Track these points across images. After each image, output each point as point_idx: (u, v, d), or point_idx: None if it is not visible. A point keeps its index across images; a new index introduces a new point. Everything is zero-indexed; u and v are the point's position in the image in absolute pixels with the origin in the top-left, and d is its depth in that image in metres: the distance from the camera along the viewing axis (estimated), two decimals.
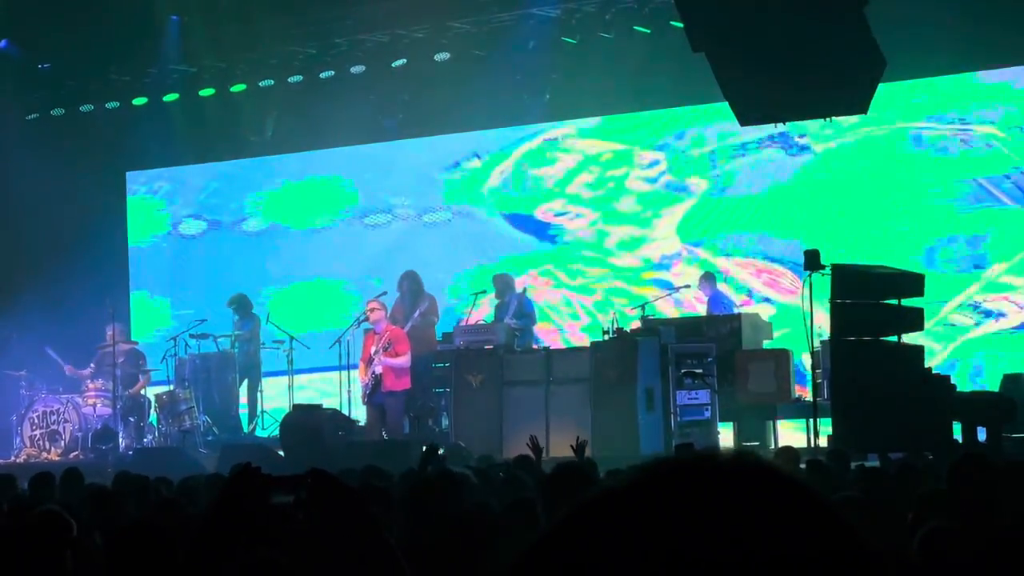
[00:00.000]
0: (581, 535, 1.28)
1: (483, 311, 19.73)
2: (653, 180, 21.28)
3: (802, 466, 10.38)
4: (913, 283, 14.44)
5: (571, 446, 11.21)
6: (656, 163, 21.28)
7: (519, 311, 18.85)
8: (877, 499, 6.74)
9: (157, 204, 25.02)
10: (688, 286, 19.68)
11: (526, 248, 21.88)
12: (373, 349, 18.33)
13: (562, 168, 21.90)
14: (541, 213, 21.96)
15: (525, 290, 19.53)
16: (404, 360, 18.30)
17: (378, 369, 18.27)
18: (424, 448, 11.12)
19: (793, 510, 1.27)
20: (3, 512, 7.95)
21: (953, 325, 19.11)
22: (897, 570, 5.23)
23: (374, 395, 18.35)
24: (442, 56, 21.43)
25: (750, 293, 20.26)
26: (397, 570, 3.24)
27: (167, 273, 24.64)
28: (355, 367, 19.12)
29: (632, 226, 21.34)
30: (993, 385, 16.62)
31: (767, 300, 20.09)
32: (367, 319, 18.64)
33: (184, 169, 24.70)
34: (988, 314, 19.08)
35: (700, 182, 20.93)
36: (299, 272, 23.39)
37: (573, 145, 21.89)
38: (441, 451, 11.64)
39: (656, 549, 1.23)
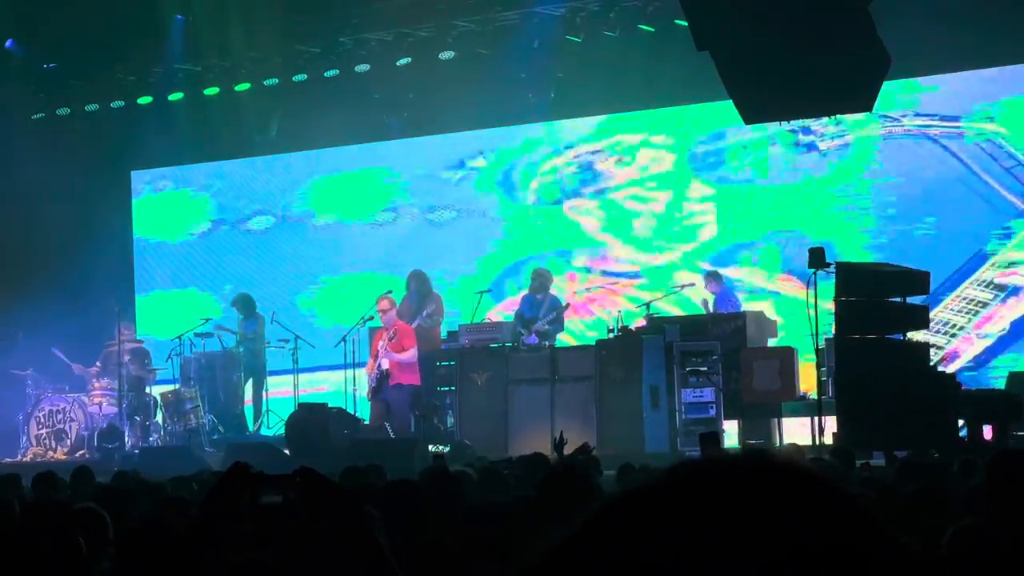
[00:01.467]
0: (613, 533, 1.28)
1: (508, 303, 19.58)
2: (654, 178, 21.27)
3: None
4: (918, 281, 14.44)
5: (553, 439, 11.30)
6: (658, 161, 21.27)
7: (556, 319, 18.77)
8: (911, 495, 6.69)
9: (162, 202, 25.02)
10: (692, 284, 19.66)
11: (533, 248, 21.87)
12: (380, 343, 18.37)
13: (562, 167, 21.89)
14: (546, 213, 21.96)
15: (568, 305, 19.39)
16: (410, 355, 18.31)
17: (384, 363, 18.29)
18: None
19: (825, 508, 1.28)
20: (14, 510, 7.95)
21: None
22: (927, 567, 5.23)
23: (380, 390, 18.36)
24: (447, 55, 21.43)
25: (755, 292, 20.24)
26: (387, 571, 3.23)
27: (173, 271, 24.66)
28: (361, 365, 19.15)
29: (635, 227, 21.33)
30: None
31: (775, 294, 20.07)
32: (377, 315, 18.71)
33: (189, 168, 24.72)
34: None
35: (705, 180, 20.92)
36: (304, 271, 23.41)
37: (580, 145, 21.87)
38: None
39: (688, 548, 1.24)
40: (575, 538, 1.29)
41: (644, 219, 21.29)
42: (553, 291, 19.28)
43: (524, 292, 19.59)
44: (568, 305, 19.44)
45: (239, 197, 24.36)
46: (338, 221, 23.52)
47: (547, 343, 18.36)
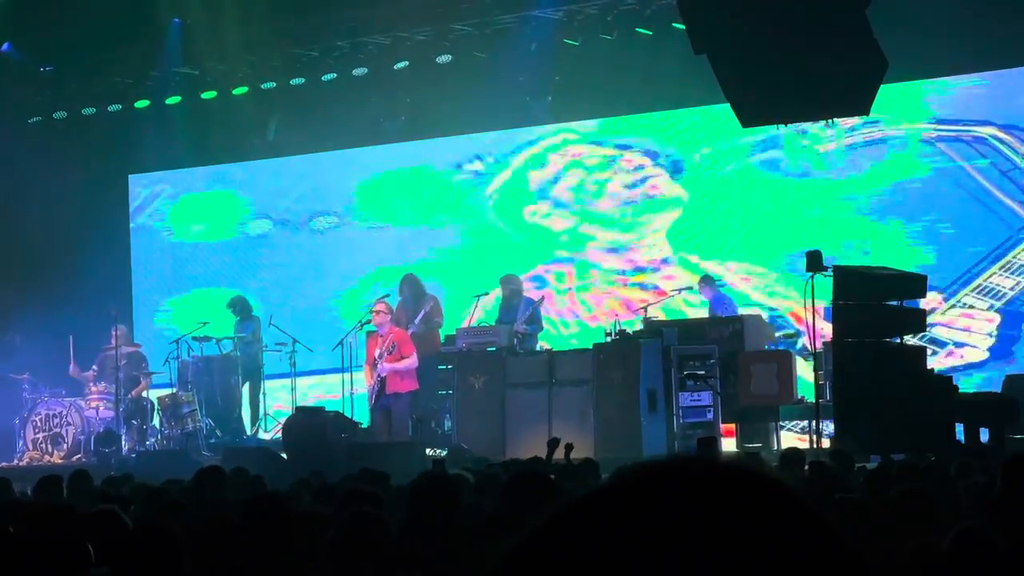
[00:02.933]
0: (558, 539, 1.28)
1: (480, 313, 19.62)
2: (642, 182, 21.26)
3: (805, 468, 10.39)
4: (915, 284, 14.45)
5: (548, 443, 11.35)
6: (653, 165, 21.27)
7: (531, 317, 18.80)
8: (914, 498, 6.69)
9: (159, 206, 25.02)
10: (690, 288, 19.67)
11: (527, 251, 21.87)
12: (377, 352, 18.31)
13: (559, 171, 21.89)
14: (540, 216, 21.96)
15: (542, 299, 19.44)
16: (410, 362, 18.28)
17: (383, 373, 18.29)
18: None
19: (777, 514, 1.27)
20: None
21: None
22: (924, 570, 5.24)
23: (380, 398, 18.35)
24: (444, 58, 21.44)
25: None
26: None
27: (169, 275, 24.65)
28: (359, 369, 19.11)
29: (622, 231, 21.34)
30: None
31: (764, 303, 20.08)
32: (371, 321, 18.64)
33: (186, 172, 24.71)
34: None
35: (696, 184, 20.94)
36: (304, 273, 23.40)
37: (572, 148, 21.88)
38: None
39: (628, 554, 1.24)
40: (522, 546, 1.29)
41: (630, 224, 21.29)
42: (526, 293, 19.38)
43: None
44: (543, 298, 19.49)
45: (238, 201, 24.34)
46: (334, 225, 23.50)
47: (531, 345, 18.43)
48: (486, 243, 22.19)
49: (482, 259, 21.98)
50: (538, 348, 18.80)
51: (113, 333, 20.70)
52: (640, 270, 21.22)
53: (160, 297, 24.63)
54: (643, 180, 21.38)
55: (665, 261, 21.01)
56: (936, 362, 17.54)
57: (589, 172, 21.75)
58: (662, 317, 19.13)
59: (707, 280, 19.32)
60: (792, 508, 1.28)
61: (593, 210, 21.63)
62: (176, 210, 24.85)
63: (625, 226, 21.40)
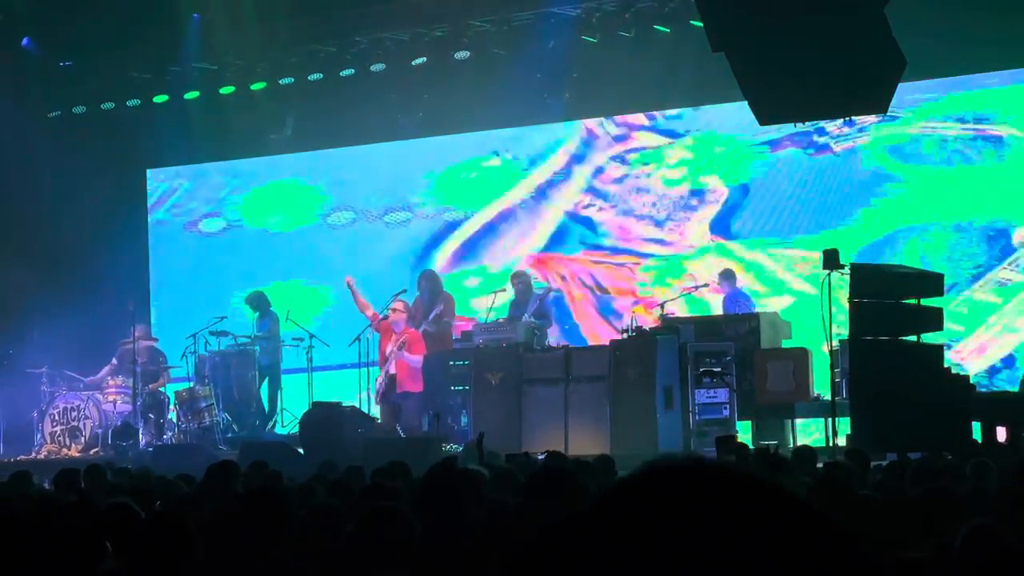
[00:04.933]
0: (570, 539, 1.29)
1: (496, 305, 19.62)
2: (677, 181, 21.27)
3: (819, 466, 10.39)
4: (932, 283, 14.43)
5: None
6: (680, 162, 21.27)
7: (538, 311, 18.85)
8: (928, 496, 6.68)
9: (177, 201, 25.06)
10: (707, 285, 19.67)
11: (549, 244, 21.89)
12: (389, 349, 18.44)
13: (584, 165, 21.90)
14: (563, 211, 21.97)
15: (548, 292, 19.47)
16: (417, 359, 18.45)
17: (392, 368, 18.36)
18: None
19: (777, 518, 1.28)
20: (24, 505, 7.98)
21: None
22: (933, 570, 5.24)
23: (388, 394, 18.42)
24: (462, 55, 21.45)
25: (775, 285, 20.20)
26: None
27: (186, 271, 24.69)
28: (375, 363, 19.21)
29: (655, 226, 21.34)
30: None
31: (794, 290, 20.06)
32: (388, 317, 18.75)
33: (204, 167, 24.75)
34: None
35: (721, 180, 20.93)
36: (316, 270, 23.42)
37: (597, 143, 21.89)
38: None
39: (636, 556, 1.25)
40: (533, 546, 1.31)
41: (662, 219, 21.30)
42: (550, 290, 19.45)
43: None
44: (549, 291, 19.50)
45: (253, 196, 24.37)
46: (351, 221, 23.53)
47: (542, 339, 18.46)
48: (505, 238, 22.20)
49: (499, 254, 21.99)
50: (554, 344, 18.82)
51: (132, 327, 20.80)
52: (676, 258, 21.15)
53: (181, 291, 24.66)
54: (665, 177, 21.36)
55: (704, 250, 20.95)
56: None
57: (608, 166, 21.72)
58: (680, 313, 19.13)
59: (727, 274, 19.27)
60: (798, 513, 1.29)
61: (616, 205, 21.59)
62: (194, 205, 24.89)
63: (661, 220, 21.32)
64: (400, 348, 18.28)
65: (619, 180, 21.65)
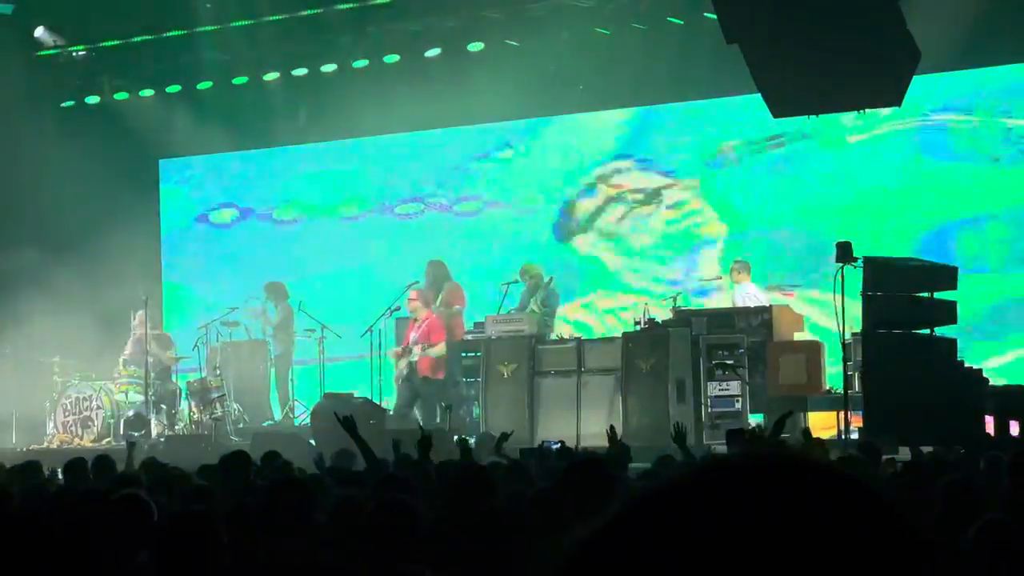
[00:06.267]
0: (636, 531, 1.27)
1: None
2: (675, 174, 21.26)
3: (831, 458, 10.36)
4: (946, 276, 14.40)
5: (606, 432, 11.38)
6: (686, 159, 21.27)
7: (543, 299, 18.87)
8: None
9: (189, 192, 25.09)
10: (719, 278, 19.64)
11: (556, 240, 21.89)
12: (412, 337, 18.62)
13: (594, 162, 21.90)
14: (573, 208, 21.97)
15: (551, 280, 19.47)
16: (440, 349, 18.57)
17: (415, 357, 18.53)
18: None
19: (851, 506, 1.27)
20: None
21: None
22: (952, 563, 5.23)
23: (411, 376, 18.58)
24: (475, 46, 21.42)
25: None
26: None
27: (198, 261, 24.71)
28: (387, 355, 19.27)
29: (663, 223, 21.34)
30: None
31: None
32: (406, 307, 18.97)
33: (217, 157, 24.75)
34: None
35: (729, 175, 20.91)
36: (330, 261, 23.41)
37: (607, 138, 21.88)
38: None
39: (711, 549, 1.23)
40: (600, 537, 1.28)
41: (670, 218, 21.29)
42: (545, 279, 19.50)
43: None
44: (552, 280, 19.49)
45: (266, 187, 24.37)
46: (364, 212, 23.53)
47: (549, 331, 18.47)
48: (516, 231, 22.19)
49: (510, 247, 21.98)
50: (567, 336, 18.80)
51: (143, 317, 20.82)
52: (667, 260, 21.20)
53: (193, 282, 24.67)
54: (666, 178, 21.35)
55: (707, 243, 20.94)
56: None
57: (616, 162, 21.71)
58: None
59: (744, 266, 19.14)
60: (872, 505, 1.28)
61: (624, 204, 21.60)
62: (206, 195, 24.89)
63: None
64: (425, 350, 18.46)
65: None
